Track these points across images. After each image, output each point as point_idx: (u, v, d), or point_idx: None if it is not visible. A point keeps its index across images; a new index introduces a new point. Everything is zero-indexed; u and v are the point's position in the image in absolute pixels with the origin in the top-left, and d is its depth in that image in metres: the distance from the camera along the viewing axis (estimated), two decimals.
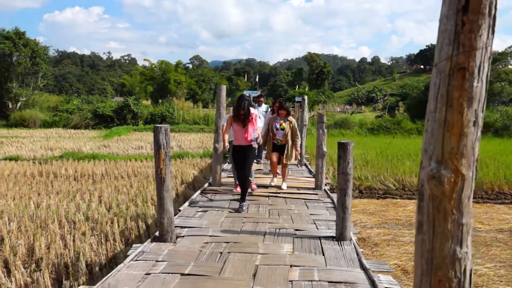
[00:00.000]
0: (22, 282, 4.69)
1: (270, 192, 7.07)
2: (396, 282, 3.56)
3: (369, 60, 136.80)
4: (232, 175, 7.69)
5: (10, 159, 14.52)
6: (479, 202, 10.11)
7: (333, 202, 6.38)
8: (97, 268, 5.10)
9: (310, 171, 9.82)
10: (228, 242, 4.41)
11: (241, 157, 6.01)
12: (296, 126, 7.25)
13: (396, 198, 10.58)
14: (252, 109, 6.10)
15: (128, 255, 4.03)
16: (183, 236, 4.64)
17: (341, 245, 4.39)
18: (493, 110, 31.19)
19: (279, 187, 7.36)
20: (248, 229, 4.96)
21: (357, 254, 4.11)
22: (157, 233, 4.51)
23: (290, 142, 7.13)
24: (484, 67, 1.29)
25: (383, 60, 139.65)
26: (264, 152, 8.85)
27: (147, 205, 8.11)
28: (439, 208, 1.39)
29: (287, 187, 7.44)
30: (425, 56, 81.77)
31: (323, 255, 4.09)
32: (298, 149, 7.23)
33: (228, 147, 6.37)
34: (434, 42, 1.39)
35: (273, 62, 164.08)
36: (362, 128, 28.95)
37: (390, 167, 12.55)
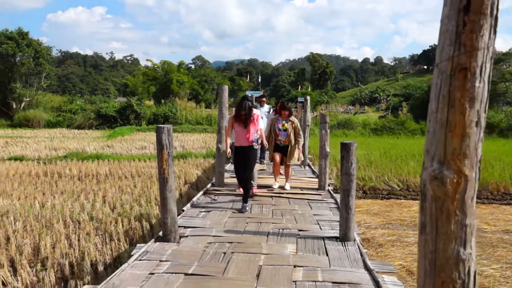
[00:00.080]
0: (28, 281, 4.73)
1: (273, 193, 7.07)
2: (400, 283, 3.56)
3: (372, 60, 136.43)
4: (235, 176, 7.69)
5: (15, 159, 14.60)
6: (484, 203, 10.08)
7: (336, 203, 6.38)
8: (101, 268, 5.13)
9: (313, 172, 9.82)
10: (231, 242, 4.42)
11: (243, 158, 5.98)
12: (298, 126, 7.19)
13: (401, 199, 10.56)
14: (254, 110, 6.10)
15: (132, 255, 4.04)
16: (187, 236, 4.65)
17: (345, 246, 4.39)
18: (497, 110, 31.04)
19: (283, 187, 7.35)
20: (252, 229, 4.97)
21: (361, 255, 4.10)
22: (160, 233, 4.52)
23: (293, 143, 7.08)
24: (486, 68, 1.29)
25: (386, 61, 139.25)
26: (267, 153, 8.80)
27: (151, 205, 8.13)
28: (442, 209, 1.39)
29: (291, 187, 7.44)
30: (428, 57, 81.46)
31: (327, 255, 4.10)
32: (300, 148, 7.13)
33: (230, 153, 6.32)
34: (437, 42, 1.39)
35: (275, 63, 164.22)
36: (366, 129, 28.89)
37: (394, 167, 12.53)
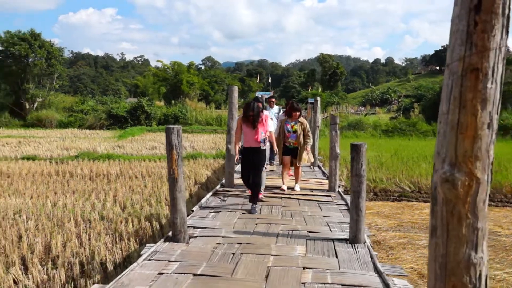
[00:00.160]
0: (39, 280, 4.77)
1: (283, 194, 7.05)
2: (411, 287, 3.51)
3: (382, 61, 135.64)
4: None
5: (28, 158, 14.79)
6: (498, 206, 9.93)
7: (346, 204, 6.34)
8: (111, 267, 5.16)
9: (323, 173, 9.78)
10: (240, 243, 4.41)
11: (251, 159, 5.93)
12: (308, 127, 7.11)
13: (412, 201, 10.47)
14: (264, 111, 6.07)
15: (141, 255, 4.06)
16: (196, 237, 4.65)
17: (355, 248, 4.35)
18: None
19: (292, 189, 7.32)
20: (261, 231, 4.95)
21: (371, 257, 4.07)
22: (170, 233, 4.53)
23: (302, 144, 7.02)
24: (498, 68, 1.27)
25: (397, 61, 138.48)
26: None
27: (161, 205, 8.17)
28: (453, 212, 1.37)
29: (300, 188, 7.41)
30: (440, 57, 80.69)
31: (337, 257, 4.07)
32: (308, 149, 7.04)
33: (238, 159, 6.22)
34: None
35: (285, 63, 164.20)
36: (376, 130, 28.68)
37: (405, 169, 12.42)
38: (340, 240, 4.61)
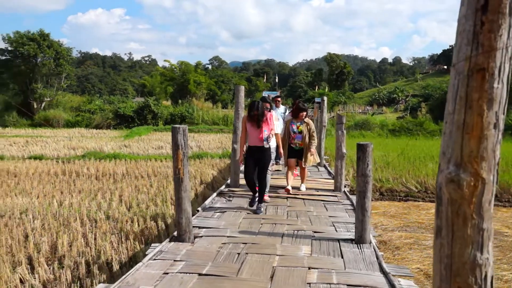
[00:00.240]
0: (45, 279, 4.80)
1: (288, 194, 7.03)
2: (417, 287, 3.50)
3: (390, 60, 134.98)
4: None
5: (35, 158, 14.90)
6: (506, 206, 9.84)
7: (352, 204, 6.32)
8: (117, 267, 5.18)
9: (329, 173, 9.75)
10: (245, 243, 4.41)
11: (257, 158, 5.89)
12: (313, 128, 7.05)
13: (418, 201, 10.41)
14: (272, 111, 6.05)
15: (147, 254, 4.07)
16: (201, 236, 4.66)
17: (361, 248, 4.34)
18: None
19: (298, 189, 7.30)
20: (266, 231, 4.95)
21: (377, 258, 4.05)
22: (175, 233, 4.54)
23: (308, 145, 6.97)
24: (505, 68, 1.25)
25: (404, 61, 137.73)
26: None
27: (166, 204, 8.19)
28: (458, 213, 1.36)
29: (306, 188, 7.39)
30: (448, 56, 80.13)
31: (342, 257, 4.05)
32: (312, 151, 6.96)
33: (242, 159, 6.23)
34: None
35: (292, 63, 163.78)
36: (383, 129, 28.56)
37: (412, 169, 12.35)
38: (345, 240, 4.60)
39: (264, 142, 5.78)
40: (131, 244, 5.89)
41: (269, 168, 6.26)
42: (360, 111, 47.76)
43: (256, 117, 5.73)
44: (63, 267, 5.08)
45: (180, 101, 39.88)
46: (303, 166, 7.13)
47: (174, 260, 3.88)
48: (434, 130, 27.32)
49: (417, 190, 10.85)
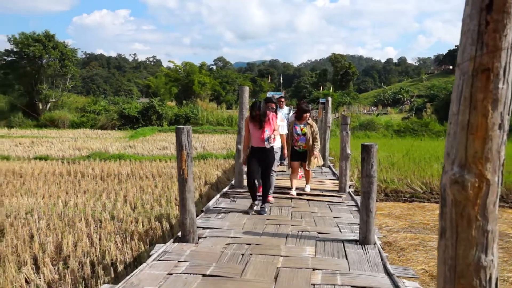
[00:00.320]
0: (50, 279, 4.82)
1: (292, 197, 7.02)
2: None
3: (395, 61, 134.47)
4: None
5: (40, 158, 14.98)
6: (511, 207, 9.78)
7: (357, 205, 6.30)
8: (121, 267, 5.19)
9: (334, 173, 9.73)
10: (250, 244, 4.41)
11: (260, 159, 5.81)
12: (317, 129, 6.98)
13: (424, 202, 10.36)
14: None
15: (151, 255, 4.07)
16: (205, 237, 4.66)
17: (365, 249, 4.32)
18: None
19: (302, 189, 7.28)
20: (270, 231, 4.94)
21: (382, 259, 4.03)
22: (179, 234, 4.55)
23: (312, 147, 6.92)
24: (510, 68, 1.24)
25: (409, 61, 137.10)
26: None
27: (171, 205, 8.20)
28: (462, 214, 1.34)
29: (310, 189, 7.37)
30: (454, 57, 79.61)
31: (346, 259, 4.04)
32: (315, 154, 6.89)
33: (244, 160, 6.14)
34: None
35: (297, 63, 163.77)
36: (388, 130, 28.47)
37: (417, 170, 12.30)
38: (350, 241, 4.58)
39: (265, 143, 5.67)
40: (135, 245, 5.90)
41: (274, 169, 6.23)
42: (365, 111, 47.60)
43: (258, 117, 5.69)
44: (68, 267, 5.09)
45: (184, 101, 39.93)
46: (307, 169, 7.09)
47: (178, 261, 3.88)
48: (440, 131, 27.20)
49: (422, 191, 10.81)
